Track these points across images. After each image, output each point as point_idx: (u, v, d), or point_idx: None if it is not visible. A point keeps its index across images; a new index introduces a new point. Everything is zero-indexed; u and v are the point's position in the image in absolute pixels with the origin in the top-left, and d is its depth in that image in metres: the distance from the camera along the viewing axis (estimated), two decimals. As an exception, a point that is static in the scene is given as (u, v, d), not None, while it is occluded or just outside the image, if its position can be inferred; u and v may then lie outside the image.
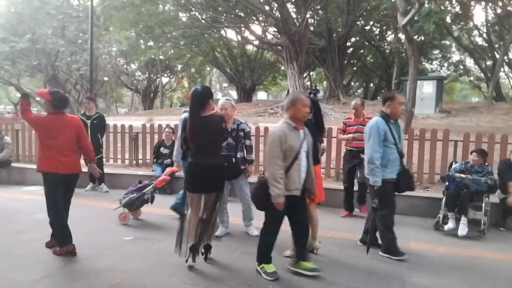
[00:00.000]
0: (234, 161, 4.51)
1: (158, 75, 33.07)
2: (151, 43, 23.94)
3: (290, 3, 21.07)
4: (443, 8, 16.99)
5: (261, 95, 47.83)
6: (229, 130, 4.59)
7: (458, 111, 15.90)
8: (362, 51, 28.07)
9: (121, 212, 5.13)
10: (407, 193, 6.07)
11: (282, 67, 24.67)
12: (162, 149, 7.43)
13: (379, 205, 4.03)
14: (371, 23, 24.65)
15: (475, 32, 24.90)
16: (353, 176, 5.85)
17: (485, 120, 14.11)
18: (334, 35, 22.02)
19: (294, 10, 21.42)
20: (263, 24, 22.35)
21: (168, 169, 5.50)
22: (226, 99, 4.77)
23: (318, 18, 22.79)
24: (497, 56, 21.65)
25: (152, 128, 8.50)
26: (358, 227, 5.16)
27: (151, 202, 5.22)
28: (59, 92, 4.15)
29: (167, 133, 7.47)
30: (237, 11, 20.71)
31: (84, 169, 7.40)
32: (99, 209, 5.95)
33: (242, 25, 21.58)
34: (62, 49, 22.36)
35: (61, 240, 3.89)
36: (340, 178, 7.02)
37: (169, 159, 7.17)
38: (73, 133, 4.00)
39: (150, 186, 5.17)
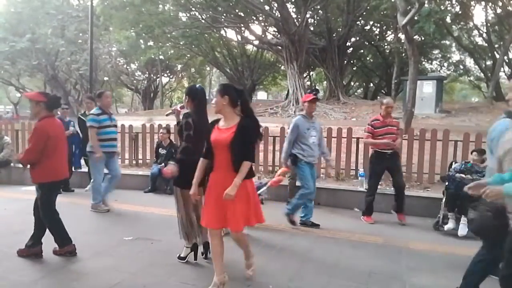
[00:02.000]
0: None
1: (158, 75, 33.06)
2: (151, 43, 23.93)
3: (290, 3, 21.07)
4: (443, 8, 16.97)
5: (261, 95, 47.81)
6: None
7: (458, 111, 15.89)
8: (362, 51, 28.04)
9: None
10: (407, 192, 6.12)
11: (282, 67, 24.66)
12: (160, 150, 7.45)
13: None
14: (371, 23, 24.64)
15: (475, 32, 24.90)
16: (380, 179, 5.69)
17: (485, 120, 14.08)
18: (334, 35, 22.01)
19: (294, 10, 21.42)
20: (263, 24, 22.35)
21: (280, 170, 5.48)
22: None
23: (318, 18, 22.78)
24: (497, 56, 21.63)
25: (152, 128, 8.50)
26: (358, 227, 5.17)
27: (262, 203, 4.98)
28: (49, 93, 4.12)
29: (161, 134, 7.51)
30: (237, 11, 20.70)
31: (84, 169, 7.45)
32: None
33: (242, 25, 21.57)
34: (62, 49, 22.37)
35: (61, 241, 3.88)
36: (340, 178, 7.04)
37: (163, 163, 7.20)
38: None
39: (265, 187, 5.19)
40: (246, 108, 3.10)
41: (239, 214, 3.01)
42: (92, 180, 5.86)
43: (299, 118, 5.12)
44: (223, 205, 2.98)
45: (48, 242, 3.97)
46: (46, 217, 3.81)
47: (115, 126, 5.97)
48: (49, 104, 3.78)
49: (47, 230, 3.89)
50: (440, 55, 29.12)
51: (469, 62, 29.50)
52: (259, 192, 4.94)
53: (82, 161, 7.56)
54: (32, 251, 3.82)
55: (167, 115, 4.55)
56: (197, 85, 3.94)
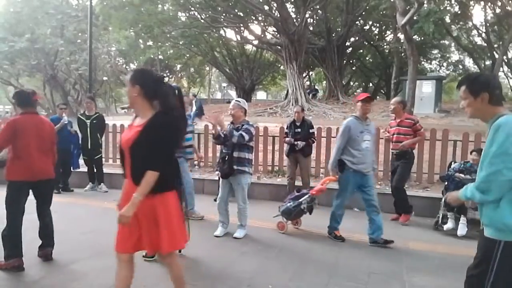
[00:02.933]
0: (226, 159, 4.47)
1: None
2: (150, 43, 23.90)
3: (289, 2, 21.08)
4: (442, 8, 16.98)
5: (260, 94, 47.82)
6: (233, 129, 4.59)
7: (458, 111, 15.86)
8: (361, 51, 28.08)
9: (279, 221, 4.92)
10: (407, 192, 6.11)
11: (282, 67, 24.67)
12: None
13: None
14: (370, 23, 24.69)
15: (474, 32, 24.95)
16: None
17: (484, 120, 14.11)
18: (333, 34, 22.02)
19: (293, 9, 21.43)
20: (262, 23, 22.34)
21: (326, 178, 5.07)
22: (235, 101, 4.76)
23: (317, 18, 22.78)
24: (496, 56, 21.67)
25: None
26: (357, 227, 5.16)
27: (310, 213, 4.85)
28: (19, 91, 3.99)
29: None
30: (236, 10, 20.70)
31: (83, 169, 7.45)
32: (98, 209, 5.94)
33: (242, 25, 21.56)
34: (61, 48, 22.31)
35: (8, 252, 3.50)
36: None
37: None
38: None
39: (307, 196, 4.80)
40: (164, 102, 2.43)
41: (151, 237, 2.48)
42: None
43: (351, 119, 4.51)
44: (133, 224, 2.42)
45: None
46: (8, 218, 3.54)
47: (192, 132, 5.55)
48: (18, 102, 3.72)
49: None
50: (439, 55, 29.18)
51: (468, 62, 29.58)
52: (300, 200, 4.77)
53: (81, 161, 7.55)
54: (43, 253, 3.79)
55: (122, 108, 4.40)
56: (174, 85, 3.81)
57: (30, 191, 3.67)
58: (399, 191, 5.46)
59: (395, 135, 5.41)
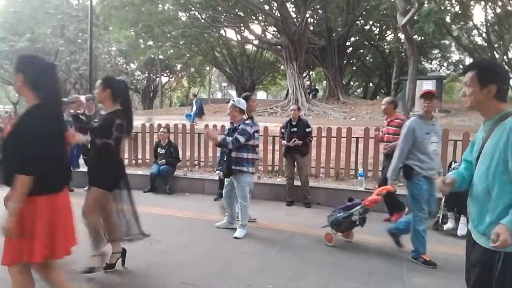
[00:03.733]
0: (225, 159, 4.58)
1: (158, 75, 33.05)
2: (150, 43, 23.91)
3: (289, 2, 21.07)
4: (442, 7, 16.99)
5: (260, 94, 47.81)
6: (231, 129, 4.68)
7: (458, 110, 15.88)
8: (361, 50, 28.08)
9: (327, 232, 4.49)
10: (406, 192, 6.07)
11: (282, 67, 24.65)
12: (159, 150, 7.45)
13: None
14: (371, 22, 24.67)
15: (475, 31, 24.92)
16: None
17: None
18: (333, 34, 22.02)
19: (294, 9, 21.41)
20: (262, 23, 22.34)
21: (380, 188, 4.56)
22: (231, 100, 4.82)
23: (317, 17, 22.78)
24: (497, 55, 21.67)
25: (152, 128, 8.50)
26: (358, 227, 5.15)
27: (362, 225, 4.38)
28: None
29: (162, 133, 7.51)
30: (236, 10, 20.70)
31: (83, 168, 7.44)
32: (98, 209, 5.94)
33: (242, 25, 21.55)
34: (61, 48, 22.35)
35: None
36: (340, 178, 7.05)
37: (164, 160, 7.20)
38: None
39: (359, 206, 4.34)
40: (46, 93, 2.22)
41: (7, 246, 2.19)
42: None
43: (414, 119, 3.96)
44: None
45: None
46: None
47: (257, 132, 5.16)
48: None
49: None
50: (439, 55, 29.18)
51: (469, 61, 29.51)
52: (352, 211, 4.32)
53: (81, 161, 7.55)
54: None
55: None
56: (116, 78, 3.63)
57: None
58: (388, 192, 5.39)
59: (385, 135, 5.40)
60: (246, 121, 4.63)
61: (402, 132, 3.95)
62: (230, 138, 4.46)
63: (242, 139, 4.41)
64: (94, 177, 3.45)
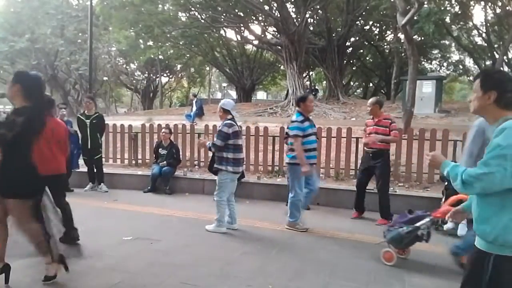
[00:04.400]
0: (210, 160, 4.97)
1: (158, 75, 33.03)
2: (150, 43, 23.90)
3: (289, 2, 21.06)
4: (442, 8, 16.98)
5: (260, 94, 47.85)
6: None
7: (458, 110, 15.88)
8: (361, 50, 28.06)
9: (385, 250, 3.98)
10: (407, 192, 6.13)
11: (282, 67, 24.65)
12: (160, 150, 7.44)
13: None
14: (371, 23, 24.65)
15: (475, 32, 24.91)
16: (366, 179, 5.60)
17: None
18: (333, 34, 22.01)
19: (294, 9, 21.41)
20: (262, 23, 22.34)
21: (452, 197, 4.08)
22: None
23: (317, 17, 22.78)
24: (497, 56, 21.65)
25: (152, 128, 8.51)
26: (358, 227, 5.17)
27: (426, 240, 3.89)
28: None
29: (164, 133, 7.49)
30: (236, 10, 20.70)
31: (83, 169, 7.46)
32: (98, 209, 5.93)
33: (242, 25, 21.55)
34: (61, 48, 22.35)
35: None
36: (340, 178, 7.05)
37: (165, 161, 7.20)
38: None
39: (427, 219, 3.85)
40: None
41: None
42: (291, 195, 5.01)
43: (483, 120, 3.54)
44: None
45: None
46: None
47: (315, 133, 5.22)
48: None
49: None
50: (439, 55, 29.17)
51: (469, 62, 29.57)
52: (418, 224, 3.85)
53: (81, 161, 7.56)
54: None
55: None
56: (29, 72, 3.43)
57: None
58: (384, 195, 5.41)
59: (372, 134, 5.39)
60: (225, 121, 4.81)
61: (470, 134, 3.51)
62: (209, 144, 4.90)
63: (219, 142, 4.74)
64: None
